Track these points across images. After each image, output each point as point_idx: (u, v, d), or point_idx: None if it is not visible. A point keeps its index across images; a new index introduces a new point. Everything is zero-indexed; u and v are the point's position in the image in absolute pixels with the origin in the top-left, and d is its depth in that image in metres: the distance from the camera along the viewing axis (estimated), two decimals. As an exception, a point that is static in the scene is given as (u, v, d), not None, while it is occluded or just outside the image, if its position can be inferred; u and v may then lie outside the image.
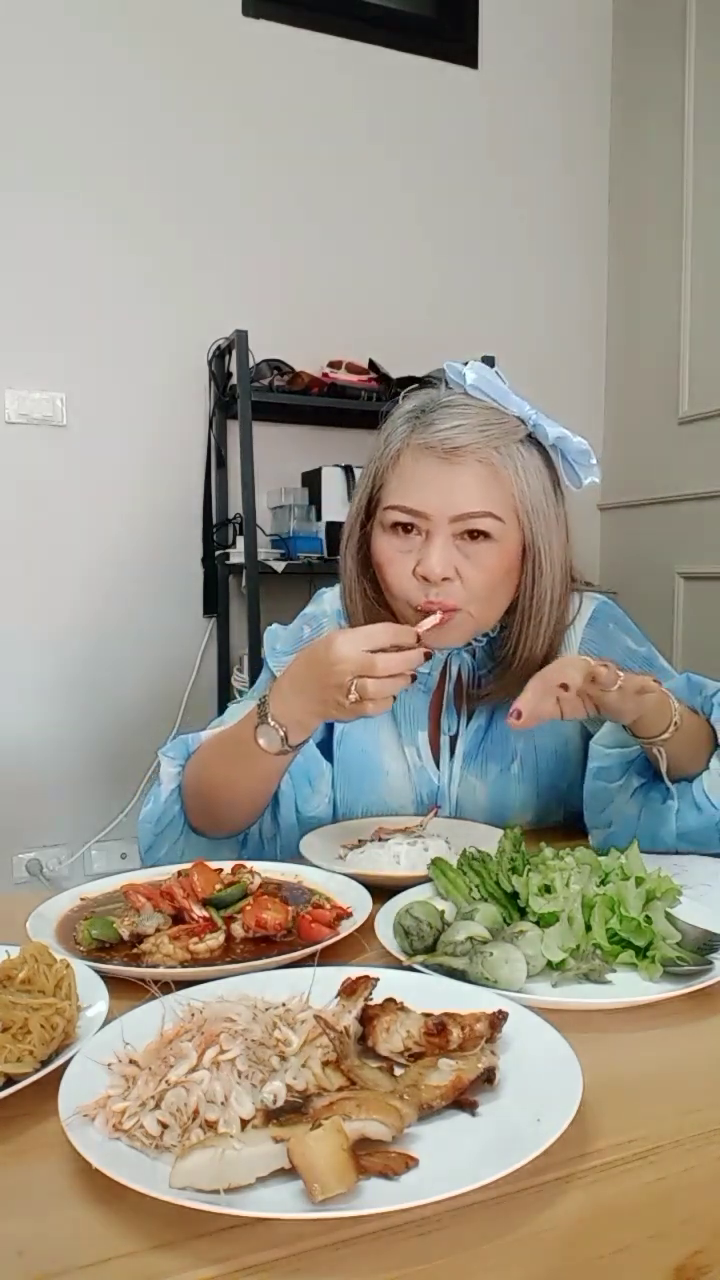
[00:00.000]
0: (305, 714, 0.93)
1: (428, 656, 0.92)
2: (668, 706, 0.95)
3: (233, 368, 2.59)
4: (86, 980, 0.70)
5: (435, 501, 1.01)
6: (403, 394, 1.11)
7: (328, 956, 0.76)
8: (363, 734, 1.19)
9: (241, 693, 2.72)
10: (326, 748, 1.19)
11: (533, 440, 1.05)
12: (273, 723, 0.94)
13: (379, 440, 1.09)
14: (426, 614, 1.01)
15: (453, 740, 1.18)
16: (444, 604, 1.01)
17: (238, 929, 0.82)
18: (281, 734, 0.94)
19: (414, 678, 0.90)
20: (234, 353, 2.53)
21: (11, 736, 2.60)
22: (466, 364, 1.04)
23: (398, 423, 1.07)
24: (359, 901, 0.87)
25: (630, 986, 0.74)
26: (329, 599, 1.24)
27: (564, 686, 0.89)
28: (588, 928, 0.77)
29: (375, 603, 1.13)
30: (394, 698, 0.90)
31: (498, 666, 1.14)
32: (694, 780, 1.02)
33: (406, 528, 1.04)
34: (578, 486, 1.09)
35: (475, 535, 1.02)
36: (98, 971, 0.72)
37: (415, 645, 0.90)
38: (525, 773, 1.18)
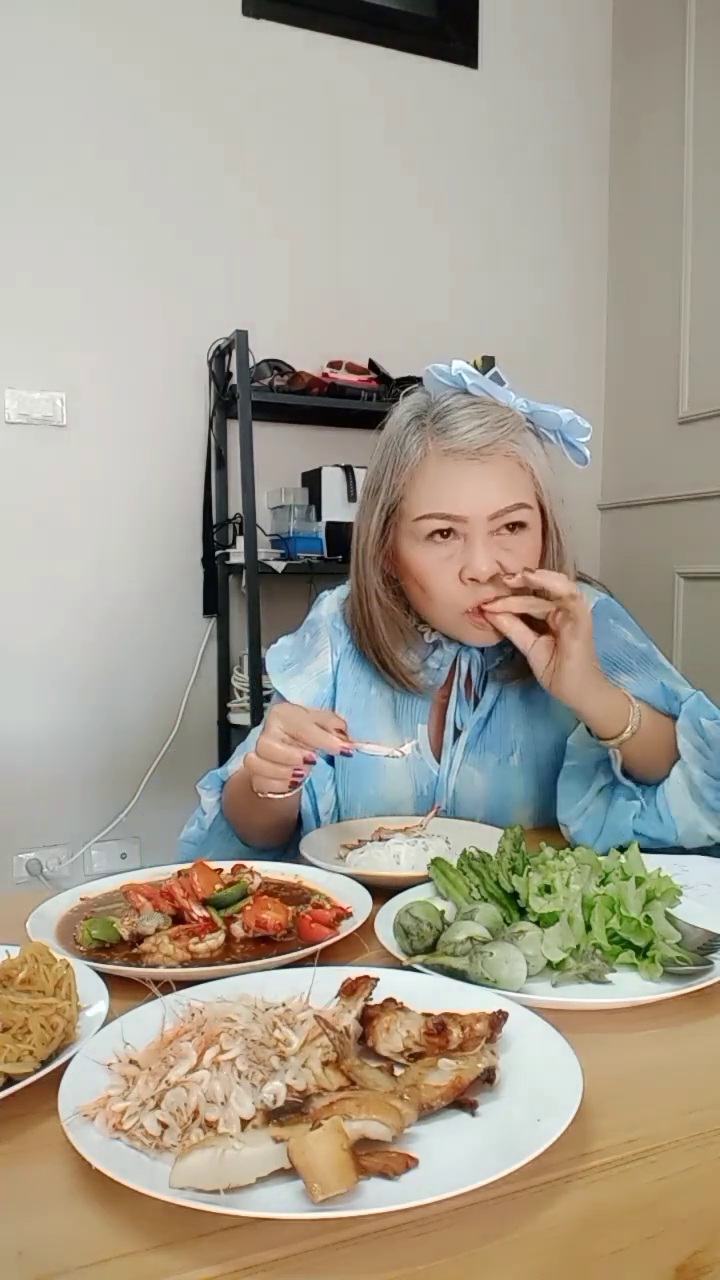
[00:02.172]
0: None
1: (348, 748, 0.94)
2: (624, 713, 1.02)
3: (233, 368, 2.59)
4: (86, 980, 0.70)
5: (471, 503, 1.03)
6: (405, 395, 1.12)
7: (328, 956, 0.76)
8: (362, 729, 1.20)
9: (241, 692, 2.73)
10: None
11: (530, 428, 1.07)
12: None
13: (389, 453, 1.08)
14: (473, 615, 1.05)
15: (457, 732, 1.19)
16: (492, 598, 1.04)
17: (238, 929, 0.82)
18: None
19: (311, 762, 0.94)
20: (234, 353, 2.53)
21: (12, 736, 2.60)
22: (450, 365, 1.05)
23: (406, 432, 1.07)
24: (359, 901, 0.87)
25: (630, 986, 0.74)
26: (327, 604, 1.26)
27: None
28: (588, 928, 0.77)
29: (402, 611, 1.15)
30: (290, 783, 0.95)
31: (505, 653, 1.15)
32: (657, 787, 1.07)
33: (444, 533, 1.05)
34: (583, 464, 1.10)
35: (512, 527, 1.05)
36: (98, 971, 0.72)
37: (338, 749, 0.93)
38: (525, 765, 1.19)
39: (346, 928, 0.82)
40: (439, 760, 1.20)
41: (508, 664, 1.16)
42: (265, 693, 2.52)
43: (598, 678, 1.02)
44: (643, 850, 0.92)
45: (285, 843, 1.17)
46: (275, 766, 0.93)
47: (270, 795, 0.97)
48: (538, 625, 1.03)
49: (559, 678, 1.00)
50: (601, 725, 1.03)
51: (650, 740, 1.04)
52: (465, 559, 1.04)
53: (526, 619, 1.03)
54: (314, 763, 0.94)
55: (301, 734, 0.92)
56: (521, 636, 1.02)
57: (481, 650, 1.17)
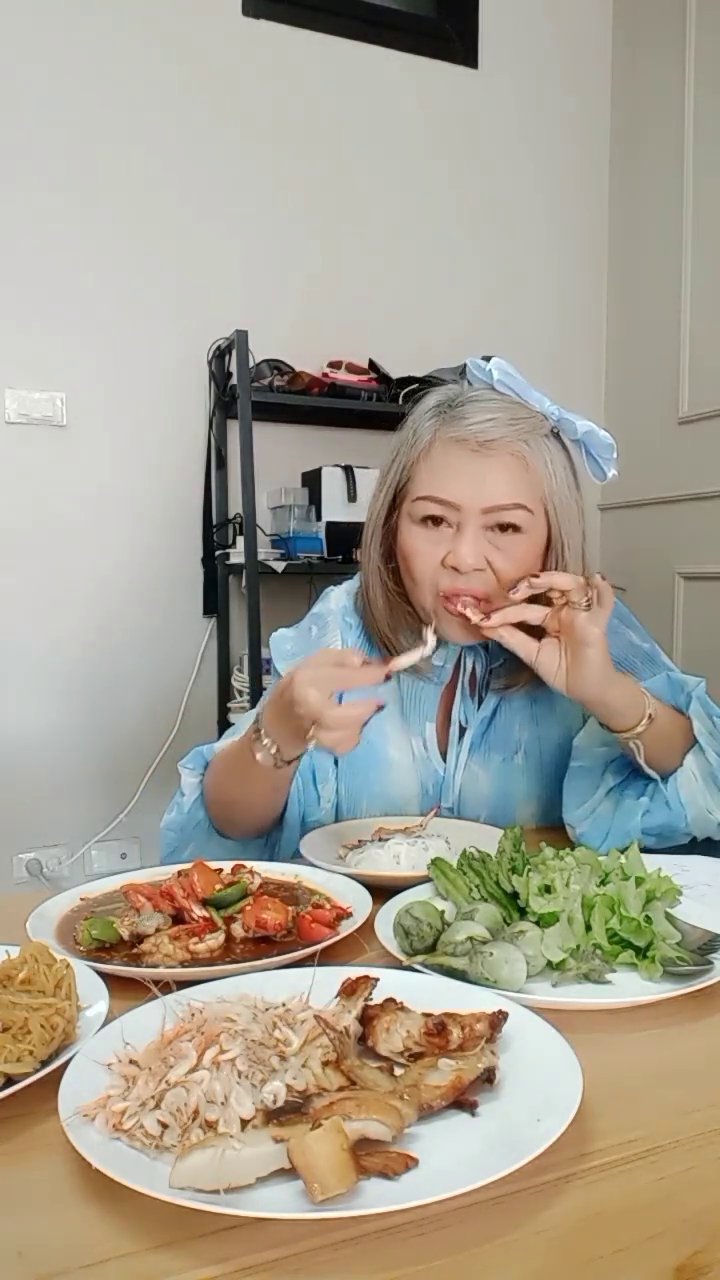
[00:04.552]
0: (290, 736, 0.95)
1: (387, 679, 0.92)
2: (641, 702, 1.01)
3: (233, 368, 2.59)
4: (86, 980, 0.70)
5: (467, 493, 1.02)
6: (406, 395, 1.12)
7: (328, 956, 0.76)
8: (369, 726, 1.19)
9: (241, 692, 2.73)
10: None
11: (555, 435, 1.07)
12: (266, 740, 0.96)
13: (404, 434, 1.09)
14: (448, 600, 1.04)
15: (463, 730, 1.19)
16: (471, 591, 1.03)
17: (238, 929, 0.82)
18: (274, 750, 0.97)
19: (381, 707, 0.91)
20: (234, 353, 2.53)
21: (12, 736, 2.60)
22: (489, 360, 1.05)
23: (424, 417, 1.08)
24: (359, 901, 0.87)
25: (630, 986, 0.74)
26: (335, 597, 1.26)
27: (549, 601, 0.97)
28: (588, 928, 0.77)
29: (398, 596, 1.15)
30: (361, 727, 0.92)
31: (510, 657, 1.15)
32: (668, 778, 1.06)
33: (437, 519, 1.04)
34: (601, 479, 1.10)
35: (505, 527, 1.03)
36: (98, 971, 0.72)
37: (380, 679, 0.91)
38: (529, 764, 1.19)
39: (346, 928, 0.82)
40: (444, 759, 1.19)
41: (505, 670, 1.15)
42: (265, 692, 2.51)
43: (612, 667, 1.00)
44: (648, 846, 0.92)
45: (265, 836, 1.14)
46: (350, 732, 0.90)
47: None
48: (535, 632, 1.02)
49: (579, 672, 0.97)
50: (621, 717, 1.00)
51: (664, 730, 1.03)
52: (453, 546, 1.03)
53: (524, 627, 1.01)
54: (384, 706, 0.91)
55: (342, 685, 0.90)
56: (524, 645, 1.00)
57: (485, 648, 1.17)
